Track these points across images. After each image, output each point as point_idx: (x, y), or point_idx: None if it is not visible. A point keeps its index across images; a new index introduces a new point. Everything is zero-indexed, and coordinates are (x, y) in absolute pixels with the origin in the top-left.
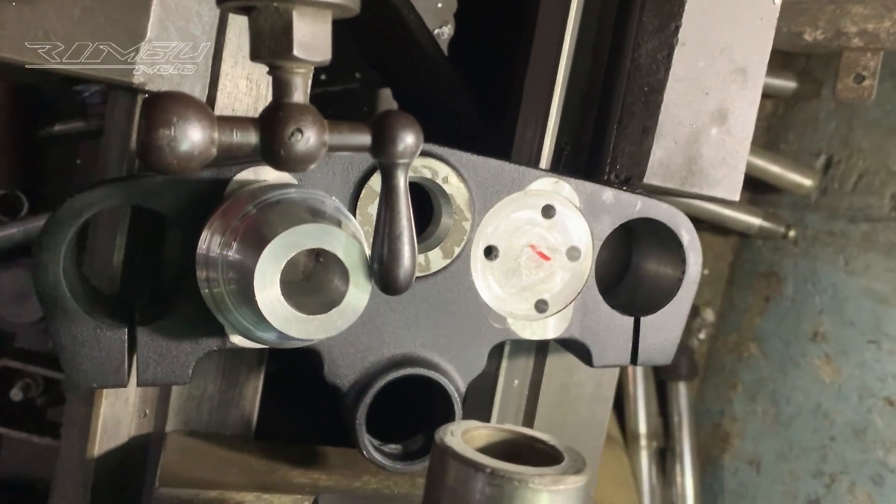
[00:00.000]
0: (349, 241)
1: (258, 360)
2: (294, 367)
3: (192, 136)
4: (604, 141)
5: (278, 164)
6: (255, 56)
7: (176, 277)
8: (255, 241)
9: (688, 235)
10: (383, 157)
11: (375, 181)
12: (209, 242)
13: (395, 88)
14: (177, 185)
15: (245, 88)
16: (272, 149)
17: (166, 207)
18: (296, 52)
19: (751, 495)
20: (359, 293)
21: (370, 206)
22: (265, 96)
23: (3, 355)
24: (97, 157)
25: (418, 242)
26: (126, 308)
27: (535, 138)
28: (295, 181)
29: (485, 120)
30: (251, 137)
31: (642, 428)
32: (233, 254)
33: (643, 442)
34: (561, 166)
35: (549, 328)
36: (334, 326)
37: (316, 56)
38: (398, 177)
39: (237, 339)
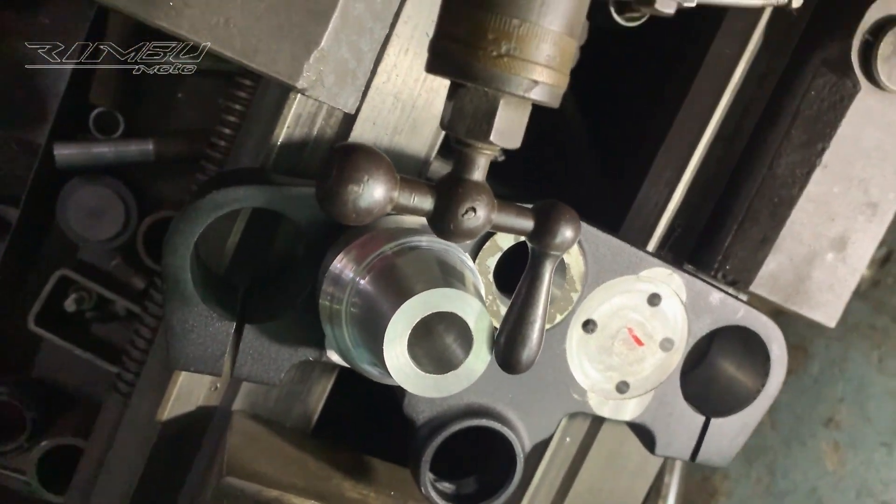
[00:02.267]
0: (482, 312)
1: (333, 364)
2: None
3: (376, 195)
4: (718, 235)
5: (444, 235)
6: (449, 129)
7: (288, 279)
8: (389, 288)
9: (778, 351)
10: (538, 246)
11: (501, 238)
12: (343, 265)
13: None
14: None
15: (390, 105)
16: (444, 221)
17: (303, 219)
18: (493, 139)
19: None
20: (477, 363)
21: (490, 258)
22: (409, 117)
23: (65, 265)
24: (200, 95)
25: None
26: (232, 292)
27: (654, 213)
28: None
29: (599, 167)
30: (426, 204)
31: None
32: (364, 286)
33: None
34: (668, 245)
35: (627, 410)
36: (447, 389)
37: (509, 143)
38: (546, 266)
39: (334, 357)
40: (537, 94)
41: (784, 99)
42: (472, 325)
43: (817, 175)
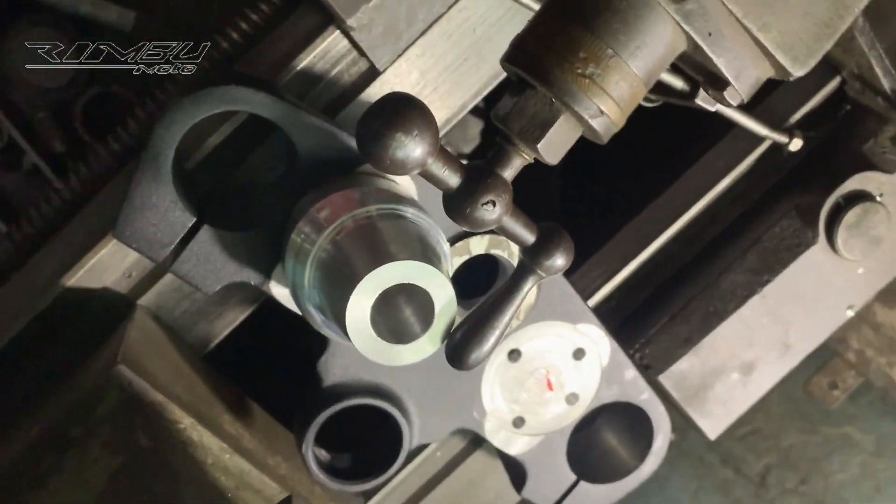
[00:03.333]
0: (451, 300)
1: (255, 298)
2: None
3: (415, 152)
4: (648, 320)
5: (455, 217)
6: (502, 123)
7: (257, 197)
8: (369, 246)
9: (661, 442)
10: (529, 261)
11: (475, 243)
12: (325, 211)
13: None
14: (330, 138)
15: (414, 80)
16: (463, 203)
17: (305, 148)
18: (540, 147)
19: None
20: (429, 345)
21: (457, 257)
22: (426, 98)
23: None
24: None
25: (468, 307)
26: (194, 189)
27: (599, 280)
28: (416, 195)
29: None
30: (452, 181)
31: None
32: (342, 238)
33: None
34: (600, 313)
35: (515, 446)
36: (391, 359)
37: (550, 158)
38: (528, 282)
39: (275, 289)
40: (598, 124)
41: (750, 224)
42: (437, 308)
43: (754, 301)
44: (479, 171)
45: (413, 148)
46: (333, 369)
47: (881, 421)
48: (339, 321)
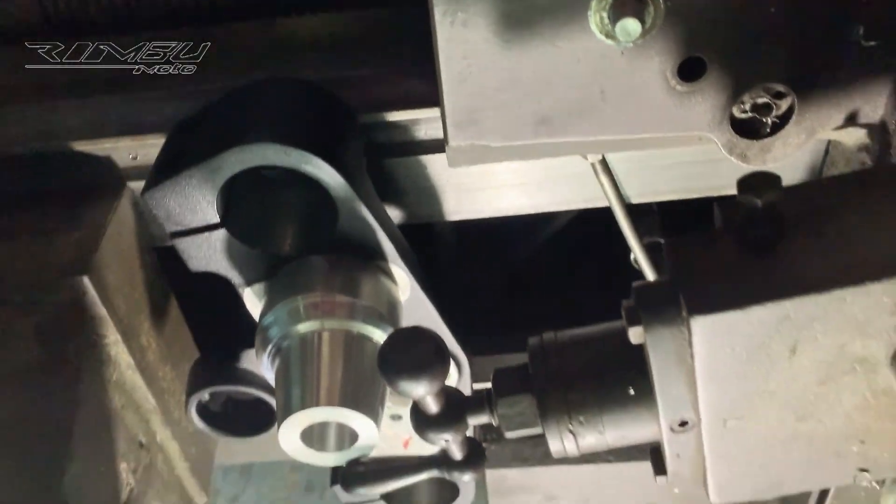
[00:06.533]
0: (370, 445)
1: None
2: None
3: (415, 393)
4: None
5: (415, 429)
6: (494, 401)
7: (277, 222)
8: (328, 371)
9: None
10: (443, 463)
11: None
12: (320, 299)
13: None
14: (370, 231)
15: (473, 171)
16: (427, 429)
17: (345, 225)
18: (507, 434)
19: None
20: (331, 461)
21: None
22: (472, 189)
23: None
24: None
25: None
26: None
27: None
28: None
29: None
30: (430, 409)
31: None
32: (315, 338)
33: None
34: None
35: None
36: (295, 453)
37: (508, 436)
38: (431, 473)
39: (248, 298)
40: (555, 451)
41: None
42: (358, 443)
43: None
44: (454, 411)
45: (416, 391)
46: (253, 361)
47: None
48: (278, 406)
